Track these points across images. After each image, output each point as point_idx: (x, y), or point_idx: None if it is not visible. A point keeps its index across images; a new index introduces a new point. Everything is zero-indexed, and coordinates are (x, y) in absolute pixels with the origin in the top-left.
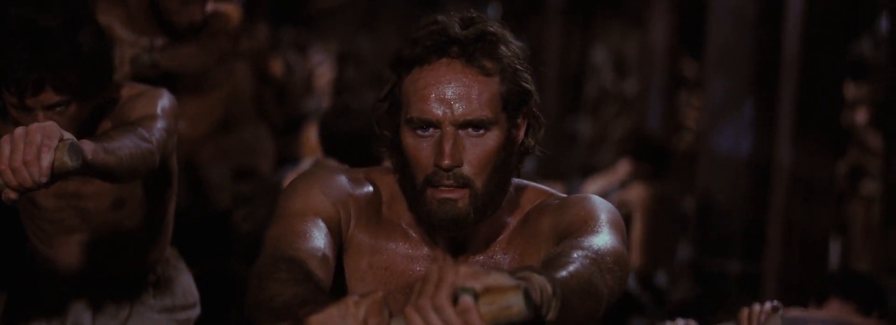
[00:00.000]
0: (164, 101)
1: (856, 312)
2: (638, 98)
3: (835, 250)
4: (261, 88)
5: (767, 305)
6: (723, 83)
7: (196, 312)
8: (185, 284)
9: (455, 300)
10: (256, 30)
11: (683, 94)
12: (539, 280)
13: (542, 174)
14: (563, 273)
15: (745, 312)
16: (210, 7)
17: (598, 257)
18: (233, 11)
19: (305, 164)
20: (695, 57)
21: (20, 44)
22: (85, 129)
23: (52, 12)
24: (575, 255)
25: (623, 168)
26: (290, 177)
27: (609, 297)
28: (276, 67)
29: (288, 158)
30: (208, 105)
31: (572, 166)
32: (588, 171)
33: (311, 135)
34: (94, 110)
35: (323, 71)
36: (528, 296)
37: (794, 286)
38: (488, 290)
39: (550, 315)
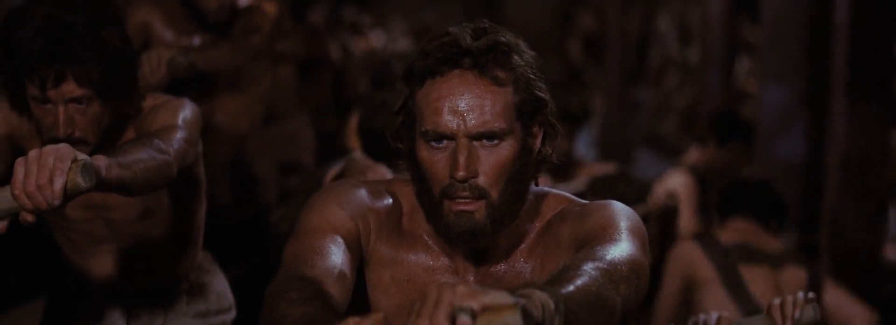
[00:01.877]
0: (186, 111)
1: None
2: (700, 66)
3: (894, 219)
4: (316, 74)
5: (800, 295)
6: (777, 53)
7: (231, 315)
8: (220, 288)
9: (453, 320)
10: (313, 12)
11: (744, 60)
12: (540, 296)
13: (605, 145)
14: (570, 287)
15: (777, 303)
16: (245, 1)
17: (610, 268)
18: (268, 7)
19: (357, 155)
20: (756, 22)
21: (43, 37)
22: (109, 137)
23: (77, 11)
24: (585, 267)
25: (693, 156)
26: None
27: (624, 306)
28: (334, 50)
29: (341, 148)
30: (249, 101)
31: (635, 137)
32: (651, 141)
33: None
34: (119, 119)
35: (397, 47)
36: (526, 314)
37: (850, 257)
38: (486, 309)
39: None
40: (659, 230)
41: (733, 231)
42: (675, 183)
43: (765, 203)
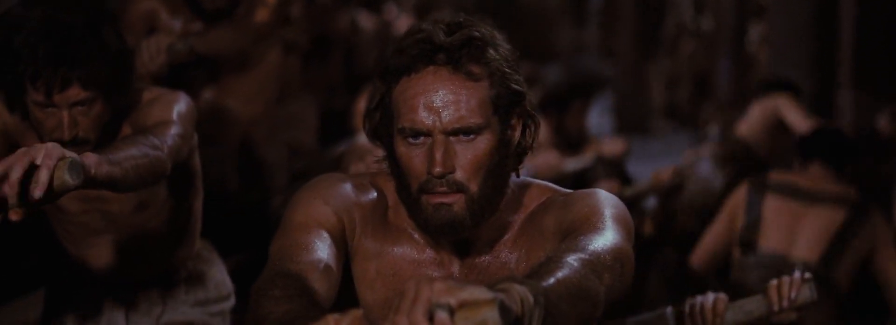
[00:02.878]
0: (180, 105)
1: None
2: (712, 33)
3: None
4: (326, 52)
5: (797, 275)
6: (784, 24)
7: (230, 303)
8: (218, 277)
9: (432, 317)
10: None
11: (757, 27)
12: (519, 291)
13: (620, 114)
14: (550, 280)
15: (774, 284)
16: None
17: (593, 258)
18: None
19: (360, 139)
20: None
21: (45, 41)
22: (107, 133)
23: (73, 11)
24: (566, 258)
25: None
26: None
27: (608, 296)
28: (344, 26)
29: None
30: (259, 84)
31: (651, 107)
32: (667, 110)
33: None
34: (116, 114)
35: (402, 24)
36: (503, 309)
37: None
38: (464, 304)
39: None
40: (661, 208)
41: (810, 176)
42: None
43: (839, 150)
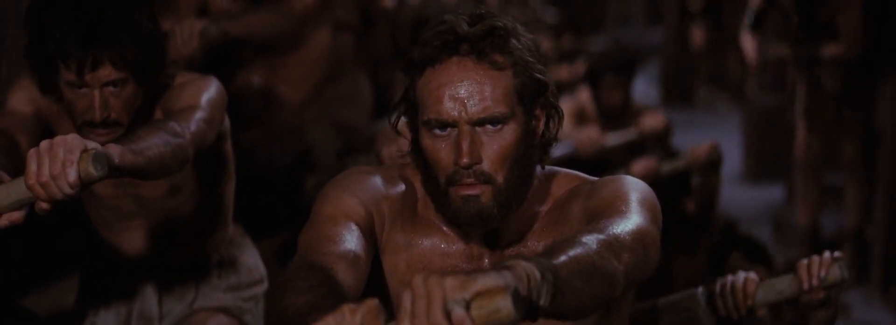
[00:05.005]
0: (211, 91)
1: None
2: None
3: None
4: (371, 26)
5: (826, 255)
6: None
7: (263, 287)
8: (250, 262)
9: (448, 314)
10: None
11: None
12: (525, 267)
13: (666, 82)
14: (562, 258)
15: (804, 263)
16: None
17: (611, 238)
18: None
19: None
20: None
21: (77, 20)
22: (139, 116)
23: None
24: (581, 238)
25: None
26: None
27: (626, 276)
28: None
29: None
30: (308, 65)
31: (697, 74)
32: (714, 78)
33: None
34: (149, 97)
35: None
36: (516, 297)
37: None
38: (478, 295)
39: (543, 301)
40: (702, 186)
41: None
42: None
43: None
